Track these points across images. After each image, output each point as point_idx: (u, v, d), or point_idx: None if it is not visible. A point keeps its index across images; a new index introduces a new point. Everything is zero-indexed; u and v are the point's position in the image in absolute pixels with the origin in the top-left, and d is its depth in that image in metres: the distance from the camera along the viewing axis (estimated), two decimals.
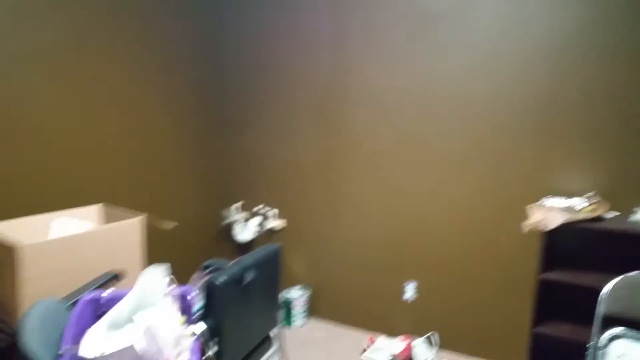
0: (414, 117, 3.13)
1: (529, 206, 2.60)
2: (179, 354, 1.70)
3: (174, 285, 1.84)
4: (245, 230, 3.82)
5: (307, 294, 3.61)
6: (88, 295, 1.93)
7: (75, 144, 2.78)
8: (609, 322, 2.22)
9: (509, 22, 2.77)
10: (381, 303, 3.43)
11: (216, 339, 2.02)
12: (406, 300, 3.32)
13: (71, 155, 2.77)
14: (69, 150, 2.75)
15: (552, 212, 2.43)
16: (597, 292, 2.23)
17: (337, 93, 3.37)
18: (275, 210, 3.76)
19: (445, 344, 3.22)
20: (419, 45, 3.06)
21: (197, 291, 2.14)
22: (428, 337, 3.24)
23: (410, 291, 3.30)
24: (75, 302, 1.91)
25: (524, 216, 2.63)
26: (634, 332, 2.13)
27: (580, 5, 2.58)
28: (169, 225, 2.52)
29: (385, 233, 3.34)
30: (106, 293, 1.96)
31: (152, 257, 2.55)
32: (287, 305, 3.53)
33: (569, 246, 2.72)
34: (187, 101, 3.55)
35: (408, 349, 3.10)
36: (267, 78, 3.65)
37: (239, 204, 3.91)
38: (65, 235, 2.27)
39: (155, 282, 1.81)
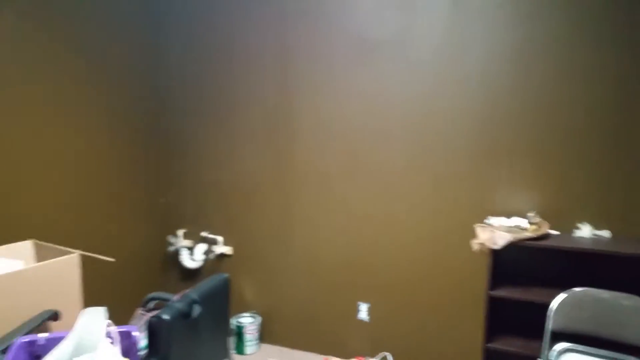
0: (362, 141, 3.16)
1: (476, 226, 2.66)
2: None
3: (114, 327, 1.75)
4: (192, 257, 3.72)
5: (259, 320, 3.54)
6: (22, 339, 1.81)
7: (9, 178, 2.63)
8: (558, 336, 2.30)
9: (446, 47, 2.86)
10: (334, 325, 3.41)
11: None
12: (360, 321, 3.31)
13: (3, 190, 2.61)
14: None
15: (498, 231, 2.50)
16: (546, 307, 2.31)
17: (284, 117, 3.36)
18: (220, 237, 3.68)
19: None
20: (360, 70, 3.10)
21: (141, 329, 2.05)
22: (382, 358, 3.24)
23: (363, 312, 3.30)
24: (8, 346, 1.79)
25: (471, 236, 2.69)
26: (581, 346, 2.21)
27: (517, 28, 2.70)
28: (107, 260, 2.40)
29: (336, 256, 3.34)
30: (42, 336, 1.84)
31: (92, 294, 2.43)
32: (239, 332, 3.45)
33: (517, 264, 2.80)
34: (126, 127, 3.43)
35: None
36: (210, 102, 3.59)
37: (184, 230, 3.80)
38: None
39: (94, 325, 1.72)
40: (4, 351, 1.76)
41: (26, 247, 2.51)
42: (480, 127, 2.84)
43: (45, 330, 2.07)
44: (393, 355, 3.24)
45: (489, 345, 2.64)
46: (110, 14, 3.22)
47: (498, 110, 2.78)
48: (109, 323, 1.75)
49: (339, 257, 3.33)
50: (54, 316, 2.15)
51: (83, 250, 2.38)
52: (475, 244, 2.59)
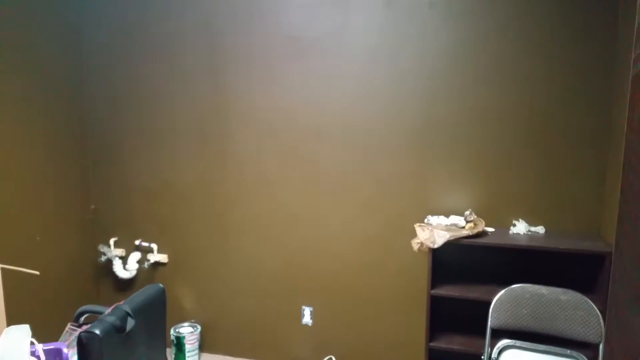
0: (300, 141, 3.13)
1: (415, 225, 2.69)
2: None
3: (40, 345, 1.61)
4: (126, 267, 3.54)
5: (199, 329, 3.42)
6: None
7: None
8: (499, 333, 2.36)
9: (381, 47, 2.89)
10: (278, 330, 3.35)
11: None
12: (304, 325, 3.28)
13: None
14: None
15: (437, 230, 2.54)
16: (486, 304, 2.36)
17: (218, 118, 3.26)
18: (154, 245, 3.53)
19: None
20: (296, 68, 3.07)
21: (71, 346, 1.92)
22: None
23: (307, 316, 3.27)
24: None
25: (411, 235, 2.72)
26: (522, 342, 2.28)
27: (450, 27, 2.76)
28: (31, 273, 2.23)
29: (277, 259, 3.28)
30: None
31: (17, 310, 2.26)
32: (179, 342, 3.31)
33: (456, 261, 2.86)
34: (50, 132, 3.21)
35: None
36: (139, 105, 3.42)
37: (115, 239, 3.62)
38: None
39: (17, 344, 1.58)
40: None
41: None
42: (418, 127, 2.88)
43: None
44: (338, 358, 3.22)
45: (432, 344, 2.67)
46: (33, 11, 3.01)
47: (435, 110, 2.84)
48: (32, 341, 1.62)
49: (280, 261, 3.28)
50: None
51: (4, 263, 2.20)
52: (415, 244, 2.62)
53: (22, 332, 1.59)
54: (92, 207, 3.62)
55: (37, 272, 2.26)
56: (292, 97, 3.10)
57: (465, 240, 2.52)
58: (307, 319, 3.27)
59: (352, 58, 2.96)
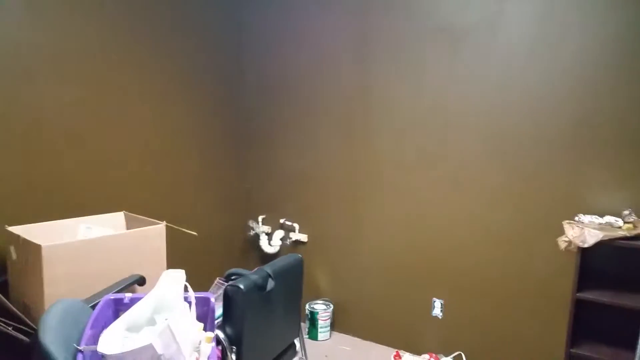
0: (441, 135, 3.07)
1: (564, 222, 2.49)
2: (196, 359, 1.69)
3: (192, 291, 1.83)
4: (270, 243, 3.82)
5: (332, 308, 3.56)
6: (109, 296, 1.95)
7: (105, 154, 2.87)
8: None
9: (539, 37, 2.70)
10: (407, 320, 3.35)
11: (235, 348, 2.00)
12: (433, 318, 3.23)
13: (100, 166, 2.85)
14: (98, 160, 2.83)
15: (588, 228, 2.33)
16: (638, 313, 2.12)
17: (362, 108, 3.36)
18: (296, 224, 3.75)
19: None
20: (444, 61, 3.02)
21: (217, 298, 2.14)
22: (455, 357, 3.13)
23: (437, 308, 3.21)
24: (97, 303, 1.93)
25: (557, 233, 2.53)
26: None
27: (624, 13, 2.49)
28: (190, 233, 2.52)
29: (411, 249, 3.27)
30: (128, 295, 1.97)
31: (176, 264, 2.56)
32: (312, 317, 3.49)
33: (607, 265, 2.59)
34: (213, 115, 3.61)
35: None
36: (290, 93, 3.67)
37: (263, 216, 3.91)
38: (89, 237, 2.31)
39: (174, 286, 1.81)
40: (94, 307, 1.90)
41: (119, 217, 2.71)
42: (574, 117, 2.64)
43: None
44: (467, 355, 3.12)
45: (573, 350, 2.45)
46: (198, 22, 3.42)
47: (597, 103, 2.58)
48: (187, 286, 1.84)
49: (414, 251, 3.26)
50: (141, 281, 2.30)
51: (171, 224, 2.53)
52: (562, 242, 2.43)
53: (178, 275, 1.82)
54: (248, 186, 3.96)
55: (195, 233, 2.55)
56: (437, 90, 3.06)
57: (622, 242, 2.27)
58: (437, 311, 3.21)
59: (505, 50, 2.82)
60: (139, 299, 1.86)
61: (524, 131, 2.80)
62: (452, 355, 3.13)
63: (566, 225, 2.47)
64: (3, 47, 2.35)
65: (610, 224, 2.40)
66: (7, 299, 2.29)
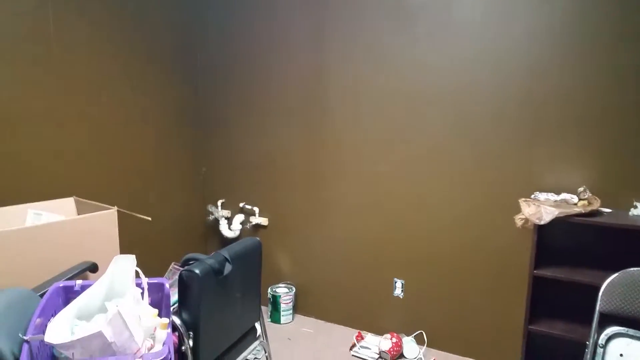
0: (397, 113, 3.07)
1: (520, 200, 2.53)
2: (151, 346, 1.63)
3: (143, 276, 1.76)
4: (230, 227, 3.76)
5: (294, 291, 3.54)
6: (59, 284, 1.86)
7: (53, 138, 2.72)
8: (607, 319, 2.15)
9: (492, 10, 2.71)
10: (369, 300, 3.37)
11: (192, 333, 1.95)
12: (395, 298, 3.25)
13: (49, 149, 2.71)
14: (45, 143, 2.69)
15: (545, 205, 2.37)
16: (593, 288, 2.17)
17: (320, 89, 3.31)
18: (256, 208, 3.70)
19: (434, 343, 3.16)
20: (400, 39, 3.00)
21: (173, 283, 2.08)
22: (416, 336, 3.17)
23: (398, 288, 3.24)
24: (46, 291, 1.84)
25: (514, 211, 2.57)
26: (634, 331, 2.07)
27: None
28: (144, 218, 2.44)
29: (371, 230, 3.28)
30: (78, 282, 1.89)
31: (131, 252, 2.49)
32: (275, 301, 3.47)
33: (563, 242, 2.66)
34: (165, 96, 3.48)
35: (397, 345, 3.03)
36: (245, 74, 3.59)
37: (222, 200, 3.85)
38: (37, 224, 2.21)
39: (124, 272, 1.74)
40: (42, 295, 1.81)
41: (69, 202, 2.60)
42: (528, 97, 2.68)
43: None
44: (428, 334, 3.16)
45: (531, 327, 2.51)
46: (156, 6, 3.29)
47: (547, 80, 2.62)
48: (138, 271, 1.77)
49: (374, 233, 3.27)
50: (93, 267, 2.21)
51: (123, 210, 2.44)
52: (518, 219, 2.46)
53: (129, 261, 1.75)
54: (203, 169, 3.87)
55: (149, 218, 2.47)
56: (394, 69, 3.04)
57: (577, 218, 2.32)
58: (398, 291, 3.24)
59: (460, 22, 2.82)
60: (90, 285, 1.79)
61: (479, 109, 2.83)
62: (413, 335, 3.17)
63: (522, 203, 2.50)
64: None
65: (565, 201, 2.45)
66: None
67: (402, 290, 3.23)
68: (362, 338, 3.19)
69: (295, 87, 3.40)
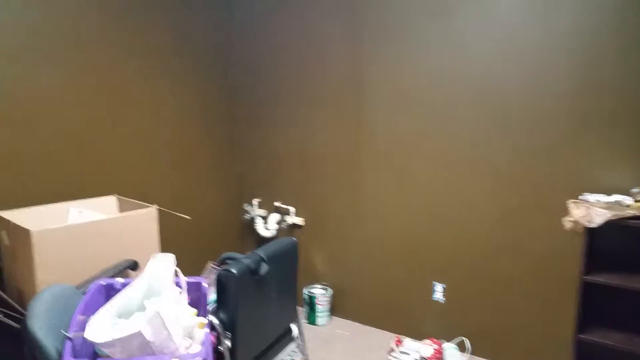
0: (437, 109, 2.98)
1: (569, 201, 2.41)
2: (189, 345, 1.63)
3: (182, 276, 1.76)
4: (266, 226, 3.76)
5: (331, 292, 3.51)
6: (100, 281, 1.89)
7: (96, 139, 2.79)
8: None
9: (535, 3, 2.59)
10: (407, 304, 3.29)
11: (229, 333, 1.94)
12: (435, 302, 3.17)
13: (92, 150, 2.77)
14: (89, 144, 2.76)
15: (595, 207, 2.24)
16: None
17: (356, 85, 3.25)
18: (291, 208, 3.68)
19: (476, 350, 3.05)
20: (436, 31, 2.91)
21: (210, 283, 2.07)
22: (458, 342, 3.07)
23: (439, 293, 3.15)
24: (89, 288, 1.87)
25: (561, 213, 2.45)
26: None
27: None
28: (183, 217, 2.46)
29: (411, 232, 3.20)
30: (119, 280, 1.91)
31: (170, 249, 2.51)
32: (311, 302, 3.44)
33: (615, 246, 2.50)
34: (203, 96, 3.52)
35: (439, 352, 2.95)
36: (281, 70, 3.57)
37: (259, 200, 3.85)
38: (80, 222, 2.25)
39: (163, 270, 1.75)
40: (85, 293, 1.84)
41: (111, 201, 2.64)
42: (576, 92, 2.54)
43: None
44: (470, 340, 3.06)
45: (581, 336, 2.38)
46: (189, 4, 3.33)
47: (598, 72, 2.47)
48: (177, 270, 1.77)
49: (413, 234, 3.19)
50: (133, 265, 2.24)
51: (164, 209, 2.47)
52: (567, 222, 2.35)
53: (168, 259, 1.75)
54: (240, 169, 3.88)
55: (188, 217, 2.48)
56: (430, 62, 2.96)
57: (631, 221, 2.18)
58: (438, 295, 3.15)
59: (499, 16, 2.71)
60: (130, 283, 1.80)
61: (526, 106, 2.70)
62: (454, 341, 3.08)
63: (571, 204, 2.39)
64: None
65: (618, 203, 2.32)
66: (2, 284, 2.25)
67: (442, 295, 3.14)
68: (401, 343, 3.12)
69: (331, 84, 3.36)
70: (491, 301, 2.97)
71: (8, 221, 2.09)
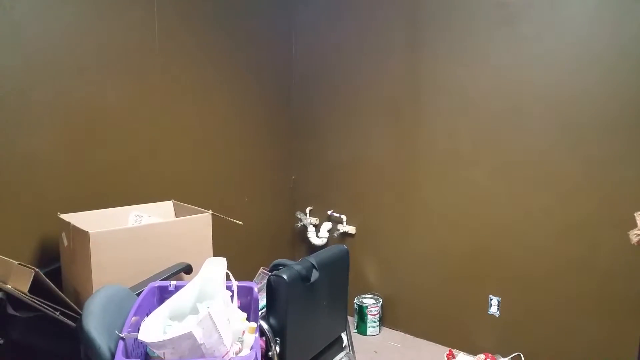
0: (496, 116, 2.89)
1: (636, 214, 2.27)
2: (239, 350, 1.64)
3: (234, 280, 1.78)
4: (318, 235, 3.76)
5: (381, 302, 3.45)
6: (154, 284, 1.93)
7: (154, 146, 2.89)
8: None
9: (606, 4, 2.47)
10: (461, 317, 3.19)
11: (278, 339, 1.94)
12: (490, 316, 3.05)
13: (151, 157, 2.87)
14: (148, 151, 2.86)
15: None
16: None
17: (413, 95, 3.21)
18: (343, 216, 3.66)
19: None
20: (500, 38, 2.83)
21: (261, 288, 2.09)
22: (513, 358, 2.94)
23: (494, 306, 3.04)
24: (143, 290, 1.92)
25: (627, 227, 2.31)
26: None
27: None
28: (236, 222, 2.49)
29: (465, 243, 3.11)
30: (172, 283, 1.95)
31: (223, 255, 2.56)
32: (361, 312, 3.40)
33: None
34: (257, 105, 3.56)
35: None
36: (335, 80, 3.58)
37: (310, 208, 3.86)
38: (136, 225, 2.32)
39: (215, 274, 1.77)
40: (139, 294, 1.89)
41: (168, 206, 2.72)
42: None
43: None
44: (526, 356, 2.93)
45: None
46: (246, 12, 3.39)
47: None
48: (229, 274, 1.79)
49: (468, 245, 3.10)
50: (187, 269, 2.28)
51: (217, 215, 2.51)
52: (634, 235, 2.20)
53: (220, 263, 1.77)
54: (293, 177, 3.92)
55: (240, 222, 2.51)
56: (494, 70, 2.88)
57: None
58: (494, 309, 3.04)
59: (566, 22, 2.61)
60: (183, 286, 1.84)
61: (596, 114, 2.57)
62: (510, 357, 2.95)
63: (638, 216, 2.24)
64: (57, 42, 2.38)
65: None
66: (60, 284, 2.35)
67: (497, 309, 3.02)
68: (454, 357, 3.02)
69: (388, 94, 3.34)
70: (550, 317, 2.83)
71: (68, 223, 2.17)
